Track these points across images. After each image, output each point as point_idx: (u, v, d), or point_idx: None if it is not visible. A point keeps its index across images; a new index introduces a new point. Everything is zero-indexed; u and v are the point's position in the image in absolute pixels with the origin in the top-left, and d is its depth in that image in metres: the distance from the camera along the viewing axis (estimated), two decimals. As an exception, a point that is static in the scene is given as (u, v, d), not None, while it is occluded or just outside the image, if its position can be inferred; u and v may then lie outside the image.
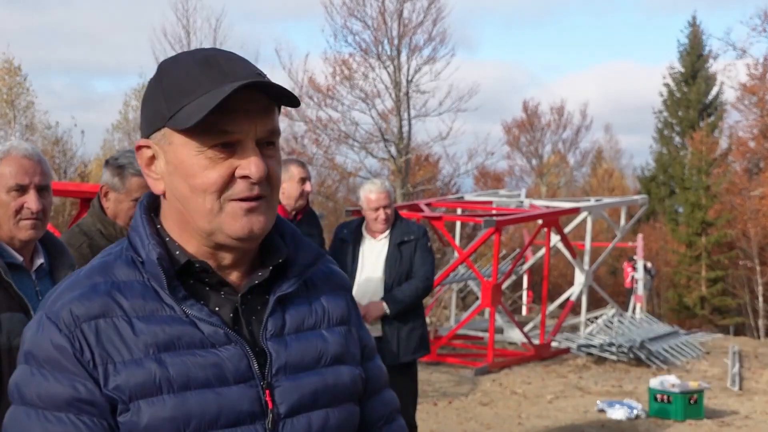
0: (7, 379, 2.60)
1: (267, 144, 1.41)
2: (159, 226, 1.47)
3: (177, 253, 1.43)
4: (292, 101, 1.40)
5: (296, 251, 1.53)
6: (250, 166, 1.37)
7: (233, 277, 1.46)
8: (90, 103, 60.88)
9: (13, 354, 2.61)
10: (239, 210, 1.38)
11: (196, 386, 1.36)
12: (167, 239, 1.45)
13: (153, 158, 1.44)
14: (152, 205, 1.50)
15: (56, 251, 2.91)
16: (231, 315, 1.43)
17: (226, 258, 1.44)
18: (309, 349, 1.49)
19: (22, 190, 2.72)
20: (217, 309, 1.43)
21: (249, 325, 1.45)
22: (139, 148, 1.45)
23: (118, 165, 3.50)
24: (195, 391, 1.36)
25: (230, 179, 1.38)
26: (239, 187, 1.38)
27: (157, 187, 1.45)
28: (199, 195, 1.38)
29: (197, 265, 1.42)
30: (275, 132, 1.42)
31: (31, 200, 2.72)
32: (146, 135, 1.44)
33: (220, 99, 1.31)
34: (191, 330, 1.38)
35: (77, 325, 1.35)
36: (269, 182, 1.41)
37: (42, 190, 2.76)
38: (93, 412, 1.33)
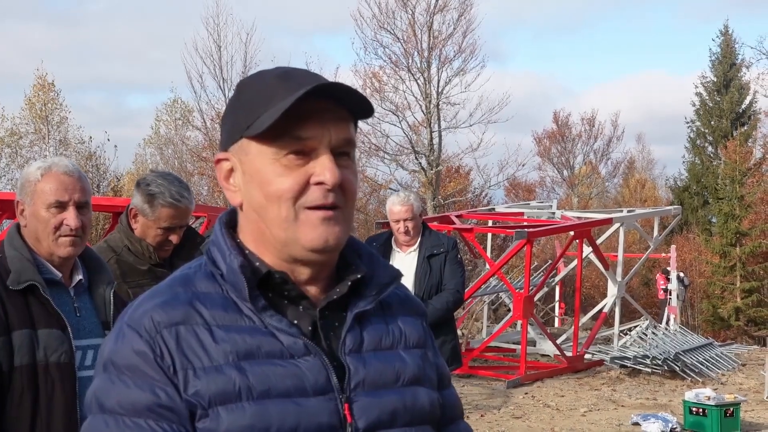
0: (44, 395, 2.60)
1: (342, 154, 1.41)
2: (238, 240, 1.46)
3: (257, 264, 1.42)
4: (365, 109, 1.41)
5: (373, 270, 1.51)
6: (324, 171, 1.37)
7: (311, 291, 1.44)
8: (122, 118, 61.48)
9: (50, 370, 2.61)
10: (314, 219, 1.37)
11: (275, 395, 1.34)
12: (247, 252, 1.44)
13: (231, 171, 1.44)
14: (231, 221, 1.50)
15: (95, 267, 2.92)
16: (309, 328, 1.42)
17: (304, 273, 1.43)
18: (387, 367, 1.46)
19: (61, 206, 2.73)
20: (295, 322, 1.41)
21: (327, 339, 1.43)
22: (219, 161, 1.46)
23: (149, 193, 3.48)
24: (275, 400, 1.34)
25: (305, 186, 1.37)
26: (314, 194, 1.37)
27: (234, 199, 1.45)
28: (274, 202, 1.38)
29: (277, 276, 1.41)
30: (350, 142, 1.43)
31: (70, 217, 2.73)
32: (225, 148, 1.46)
33: (292, 101, 1.32)
34: (271, 340, 1.37)
35: (158, 331, 1.35)
36: (344, 192, 1.41)
37: (81, 206, 2.77)
38: (172, 419, 1.32)
